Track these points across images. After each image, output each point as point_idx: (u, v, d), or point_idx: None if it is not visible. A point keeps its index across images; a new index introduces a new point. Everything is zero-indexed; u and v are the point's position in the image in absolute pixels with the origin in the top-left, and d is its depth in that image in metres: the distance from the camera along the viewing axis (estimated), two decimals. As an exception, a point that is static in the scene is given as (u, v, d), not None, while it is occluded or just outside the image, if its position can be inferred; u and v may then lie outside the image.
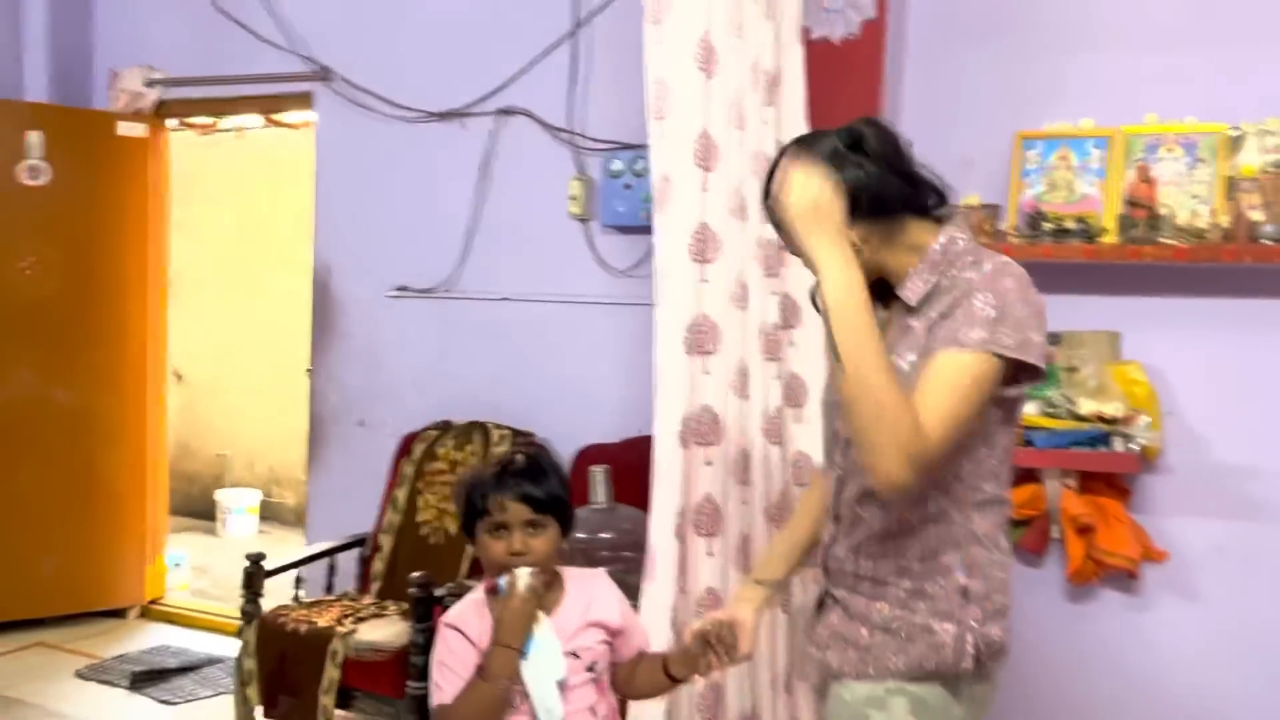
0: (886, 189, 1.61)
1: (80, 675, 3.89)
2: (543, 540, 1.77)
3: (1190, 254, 2.59)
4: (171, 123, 4.65)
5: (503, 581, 1.75)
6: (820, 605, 1.76)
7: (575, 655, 1.79)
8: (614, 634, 1.85)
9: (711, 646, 1.79)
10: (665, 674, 1.85)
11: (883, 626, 1.64)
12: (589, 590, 1.87)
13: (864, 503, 1.67)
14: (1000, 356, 1.50)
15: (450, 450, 3.57)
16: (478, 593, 1.83)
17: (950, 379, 1.50)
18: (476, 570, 3.31)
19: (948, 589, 1.61)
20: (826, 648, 1.71)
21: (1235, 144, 2.71)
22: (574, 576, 1.88)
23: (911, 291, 1.63)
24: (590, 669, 1.81)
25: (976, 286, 1.55)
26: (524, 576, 1.73)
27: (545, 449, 1.94)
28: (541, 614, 1.76)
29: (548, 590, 1.80)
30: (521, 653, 1.72)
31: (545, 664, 1.73)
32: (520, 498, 1.75)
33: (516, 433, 3.52)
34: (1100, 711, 2.88)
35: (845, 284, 1.52)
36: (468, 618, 1.79)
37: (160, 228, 4.57)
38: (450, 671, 1.75)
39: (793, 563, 1.90)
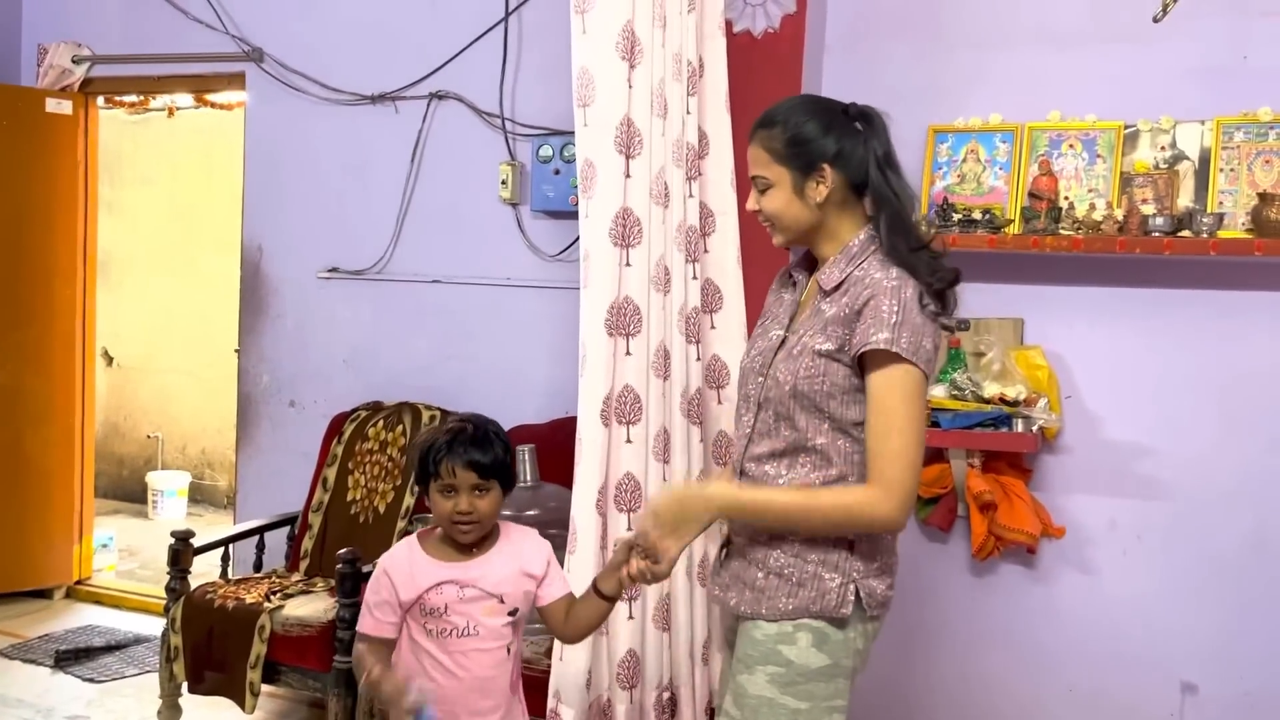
0: (880, 169, 1.78)
1: (3, 654, 3.88)
2: (487, 501, 1.98)
3: (1087, 244, 2.73)
4: (101, 102, 4.62)
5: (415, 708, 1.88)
6: (724, 551, 1.95)
7: (500, 599, 2.00)
8: (538, 581, 2.06)
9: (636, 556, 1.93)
10: (595, 593, 2.01)
11: (776, 571, 1.81)
12: (520, 544, 2.08)
13: (769, 461, 1.85)
14: (912, 363, 1.69)
15: (380, 430, 3.62)
16: (413, 537, 2.06)
17: (891, 416, 1.70)
18: (405, 547, 3.36)
19: (838, 544, 1.79)
20: (728, 589, 1.90)
21: (1130, 141, 2.86)
22: (508, 531, 2.09)
23: (828, 279, 1.82)
24: (512, 613, 2.02)
25: (883, 290, 1.72)
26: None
27: (492, 421, 2.10)
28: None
29: (483, 542, 2.02)
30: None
31: None
32: (468, 464, 1.95)
33: (446, 413, 3.57)
34: (1001, 680, 3.03)
35: (740, 508, 1.84)
36: (396, 556, 2.04)
37: (89, 207, 4.53)
38: (368, 610, 2.01)
39: None
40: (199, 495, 6.40)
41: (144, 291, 6.52)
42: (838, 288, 1.81)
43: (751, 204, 1.92)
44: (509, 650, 2.06)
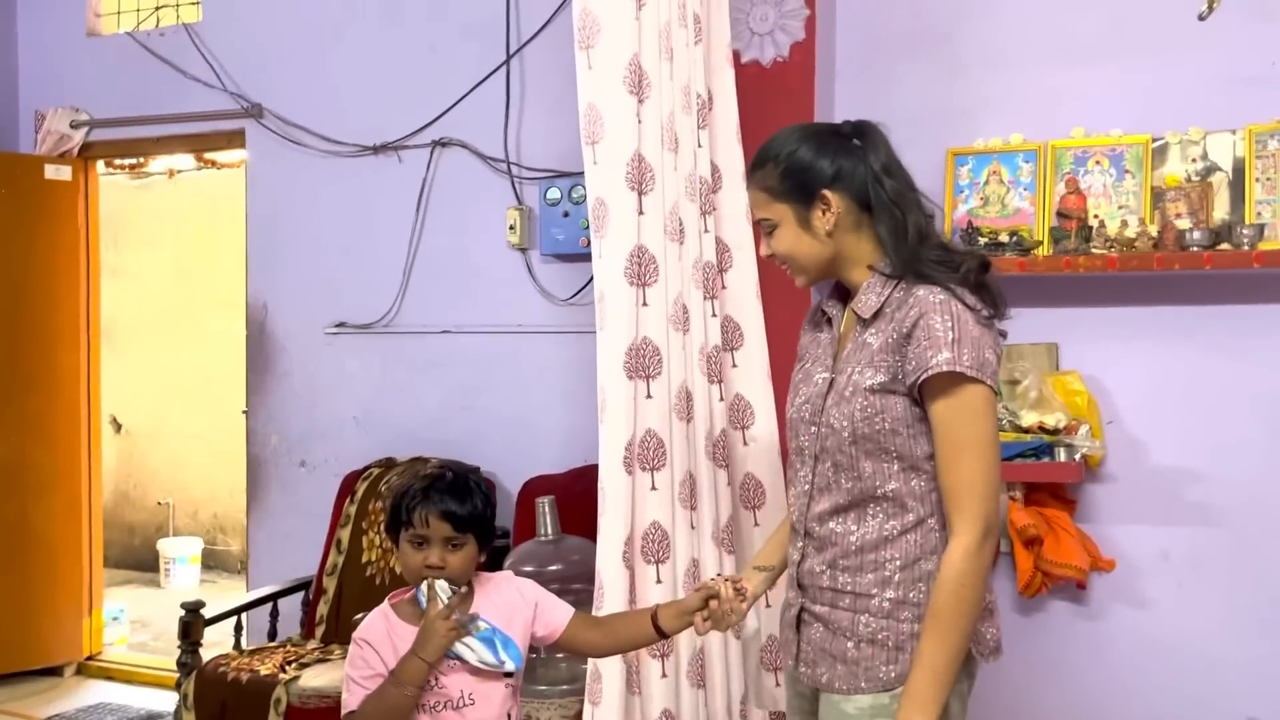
0: (877, 181, 1.68)
1: (13, 738, 3.75)
2: (460, 556, 1.82)
3: (1122, 263, 2.63)
4: (101, 167, 4.57)
5: (421, 592, 1.79)
6: (798, 622, 1.77)
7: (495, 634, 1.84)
8: (531, 625, 1.92)
9: (712, 602, 1.84)
10: (654, 627, 1.91)
11: (869, 639, 1.66)
12: (501, 593, 1.92)
13: (835, 518, 1.70)
14: (979, 381, 1.56)
15: (394, 487, 3.50)
16: (385, 605, 1.89)
17: (960, 443, 1.57)
18: (424, 609, 3.23)
19: (929, 596, 1.63)
20: (815, 665, 1.73)
21: (1159, 154, 2.76)
22: (484, 582, 1.92)
23: (865, 306, 1.70)
24: (508, 675, 1.85)
25: (932, 307, 1.59)
26: (443, 591, 1.78)
27: (473, 469, 1.97)
28: (484, 619, 1.80)
29: (460, 603, 1.83)
30: (444, 661, 1.77)
31: (482, 658, 1.79)
32: (442, 515, 1.80)
33: (464, 468, 3.46)
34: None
35: (925, 699, 1.57)
36: (373, 628, 1.85)
37: (91, 272, 4.47)
38: (354, 684, 1.82)
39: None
40: (212, 561, 6.28)
41: (150, 356, 6.46)
42: (878, 314, 1.68)
43: (764, 250, 1.82)
44: (509, 717, 1.89)
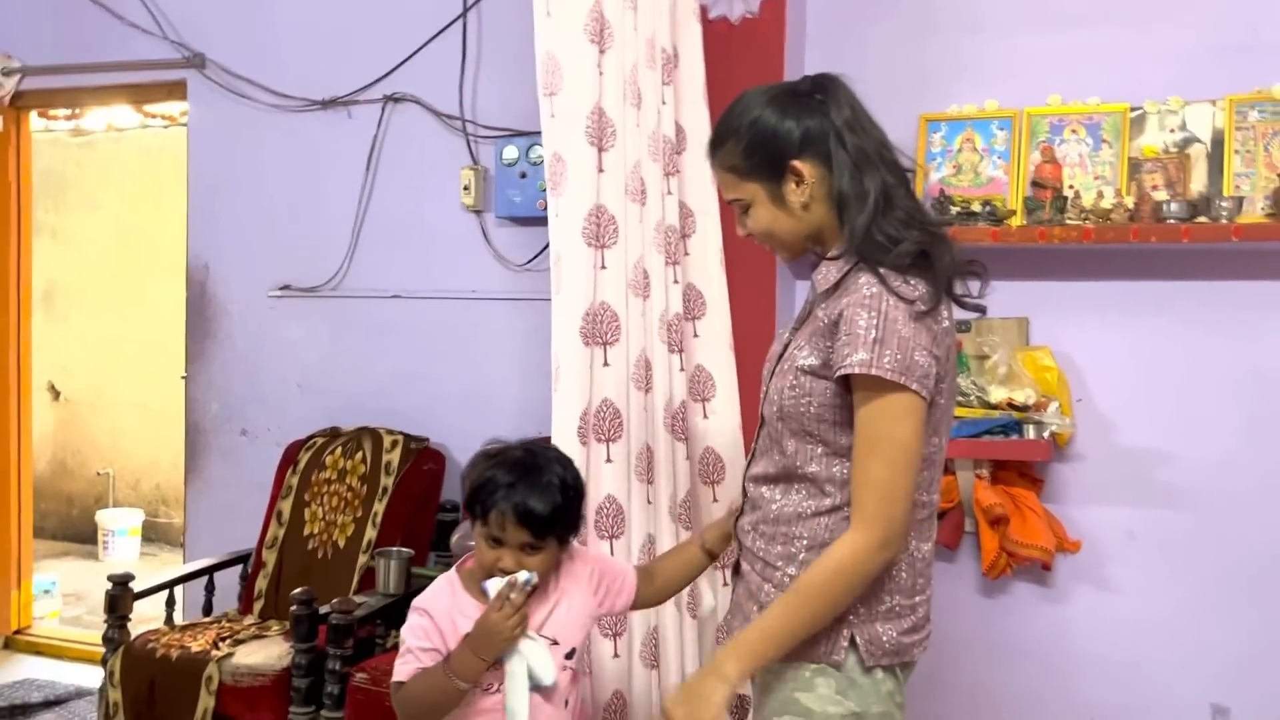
0: (839, 139, 1.54)
1: (-68, 715, 3.56)
2: (539, 559, 1.69)
3: (1098, 234, 2.54)
4: (35, 119, 4.35)
5: (488, 586, 1.67)
6: (735, 571, 1.75)
7: (555, 641, 1.74)
8: (606, 606, 1.85)
9: None
10: (703, 552, 1.87)
11: (767, 608, 1.58)
12: (566, 578, 1.80)
13: (764, 484, 1.65)
14: (901, 386, 1.45)
15: (339, 458, 3.35)
16: (452, 573, 1.78)
17: (871, 444, 1.47)
18: (367, 584, 3.10)
19: None
20: (733, 616, 1.72)
21: (1138, 124, 2.67)
22: (565, 572, 1.81)
23: (823, 278, 1.59)
24: (569, 655, 1.76)
25: (859, 300, 1.48)
26: (495, 583, 1.66)
27: (556, 453, 1.80)
28: (531, 631, 1.70)
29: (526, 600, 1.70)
30: (496, 662, 1.67)
31: (533, 671, 1.69)
32: (521, 519, 1.65)
33: (409, 438, 3.32)
34: (1016, 705, 2.81)
35: (754, 653, 1.52)
36: (436, 600, 1.73)
37: (23, 229, 4.25)
38: (412, 655, 1.70)
39: None
40: (153, 534, 6.08)
41: (91, 321, 6.23)
42: (833, 290, 1.57)
43: (740, 230, 1.69)
44: (567, 703, 1.77)
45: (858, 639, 1.54)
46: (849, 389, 1.50)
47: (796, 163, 1.56)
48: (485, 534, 1.69)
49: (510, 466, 1.69)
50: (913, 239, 1.50)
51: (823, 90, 1.58)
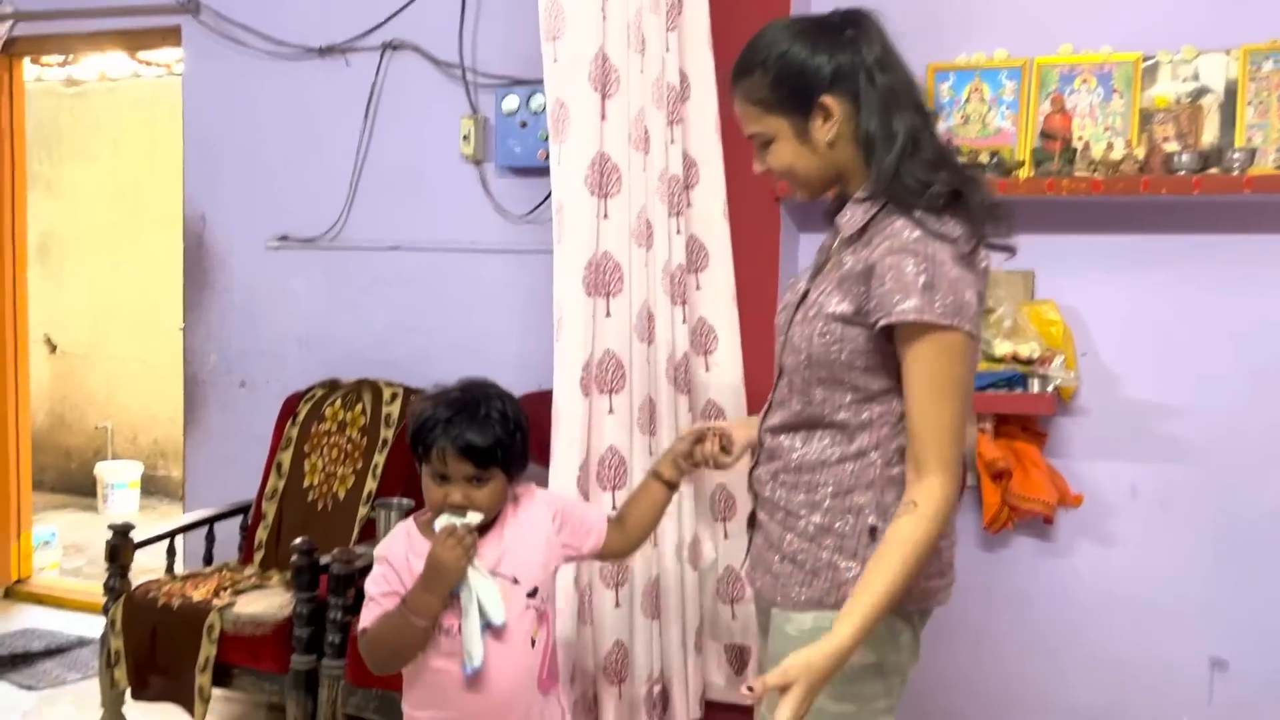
0: (869, 77, 1.49)
1: (-66, 663, 3.58)
2: (486, 492, 1.72)
3: (1108, 186, 2.50)
4: (28, 67, 4.28)
5: (437, 525, 1.70)
6: (751, 522, 1.71)
7: (515, 580, 1.75)
8: (571, 548, 1.85)
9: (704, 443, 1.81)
10: (657, 479, 1.88)
11: (790, 557, 1.59)
12: (525, 517, 1.82)
13: (783, 433, 1.62)
14: (954, 328, 1.42)
15: (338, 410, 3.34)
16: (409, 521, 1.80)
17: (934, 390, 1.44)
18: (367, 535, 3.10)
19: (856, 529, 1.55)
20: (754, 568, 1.69)
21: (1149, 74, 2.63)
22: (514, 510, 1.82)
23: (850, 222, 1.55)
24: (531, 594, 1.77)
25: (903, 245, 1.44)
26: (443, 519, 1.69)
27: (496, 390, 1.80)
28: (479, 562, 1.70)
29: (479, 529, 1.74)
30: (450, 597, 1.69)
31: (482, 608, 1.69)
32: (461, 452, 1.68)
33: (409, 390, 3.31)
34: (1016, 660, 2.82)
35: (855, 628, 1.41)
36: (393, 546, 1.77)
37: (16, 178, 4.20)
38: (374, 602, 1.74)
39: None
40: (152, 487, 6.09)
41: (88, 274, 6.19)
42: (862, 232, 1.53)
43: (758, 166, 1.63)
44: (534, 642, 1.78)
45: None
46: (888, 335, 1.47)
47: (826, 98, 1.51)
48: (431, 472, 1.72)
49: (449, 404, 1.72)
50: (943, 180, 1.47)
51: (854, 25, 1.53)
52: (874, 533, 1.53)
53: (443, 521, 1.70)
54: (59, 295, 6.18)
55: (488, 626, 1.69)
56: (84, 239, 6.19)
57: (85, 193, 6.17)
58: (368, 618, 1.74)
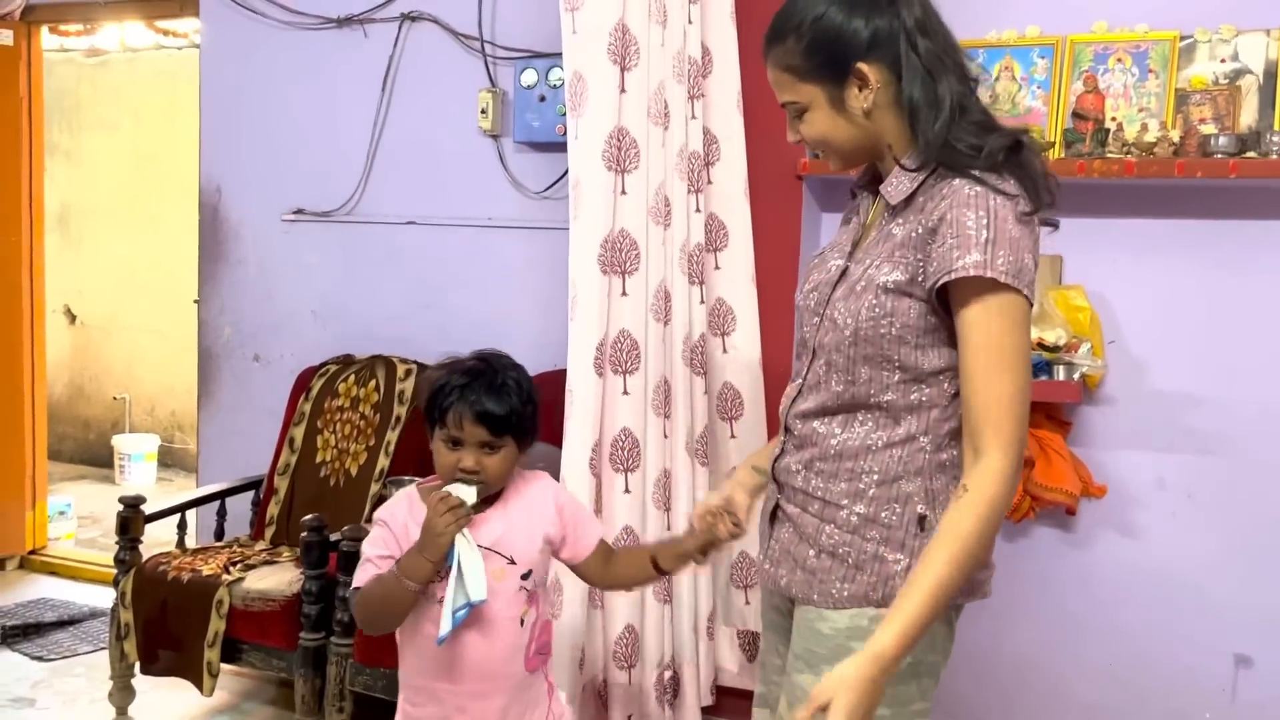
0: (910, 42, 1.42)
1: (-53, 631, 3.58)
2: (497, 460, 1.73)
3: (1140, 169, 2.43)
4: (46, 36, 4.25)
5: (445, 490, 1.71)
6: (773, 517, 1.60)
7: (511, 560, 1.76)
8: (558, 542, 1.84)
9: (711, 530, 1.71)
10: (654, 567, 1.84)
11: (830, 550, 1.49)
12: (532, 496, 1.83)
13: (818, 418, 1.52)
14: (1015, 290, 1.35)
15: (352, 386, 3.31)
16: (412, 488, 1.81)
17: (995, 354, 1.35)
18: (379, 513, 3.07)
19: (905, 518, 1.46)
20: (778, 564, 1.58)
21: (1186, 54, 2.55)
22: (518, 480, 1.84)
23: (895, 191, 1.47)
24: (525, 576, 1.77)
25: (964, 200, 1.37)
26: (465, 496, 1.69)
27: (512, 363, 1.81)
28: (469, 536, 1.70)
29: (486, 499, 1.75)
30: (442, 565, 1.69)
31: (464, 581, 1.67)
32: (478, 417, 1.70)
33: (423, 366, 3.27)
34: (1035, 653, 2.76)
35: (909, 625, 1.31)
36: (395, 510, 1.78)
37: (34, 147, 4.18)
38: (368, 561, 1.75)
39: None
40: (169, 459, 6.10)
41: (107, 245, 6.19)
42: (909, 202, 1.45)
43: (791, 136, 1.55)
44: (523, 622, 1.78)
45: None
46: (945, 303, 1.40)
47: (862, 65, 1.44)
48: (444, 436, 1.73)
49: (465, 371, 1.74)
50: (996, 140, 1.40)
51: None
52: (923, 522, 1.45)
53: (449, 489, 1.70)
54: (79, 265, 6.19)
55: (469, 604, 1.68)
56: (104, 209, 6.19)
57: (105, 163, 6.17)
58: (362, 577, 1.75)
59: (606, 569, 1.90)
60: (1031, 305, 1.39)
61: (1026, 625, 2.76)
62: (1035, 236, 1.40)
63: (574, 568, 1.91)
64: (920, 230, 1.41)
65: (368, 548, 1.78)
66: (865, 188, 1.59)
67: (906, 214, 1.45)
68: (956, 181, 1.39)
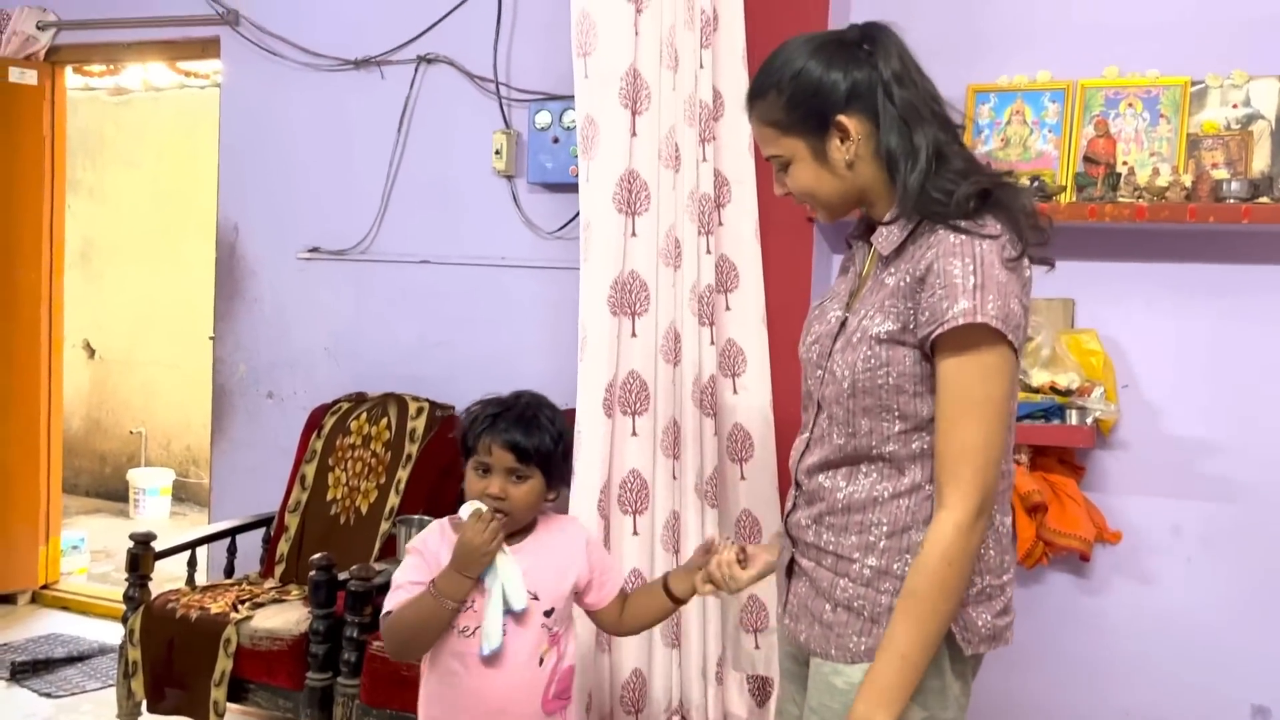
0: (886, 93, 1.44)
1: (-42, 666, 3.58)
2: (523, 490, 1.77)
3: (1152, 213, 2.43)
4: (70, 75, 4.32)
5: (462, 512, 1.76)
6: (789, 571, 1.61)
7: (535, 597, 1.79)
8: (583, 586, 1.87)
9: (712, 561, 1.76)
10: (666, 594, 1.86)
11: (845, 604, 1.49)
12: (559, 536, 1.87)
13: (824, 472, 1.52)
14: (1001, 336, 1.35)
15: (363, 423, 3.32)
16: (444, 520, 1.85)
17: (962, 403, 1.37)
18: (388, 551, 3.07)
19: None
20: (797, 619, 1.58)
21: (1198, 99, 2.55)
22: (548, 521, 1.88)
23: (886, 242, 1.47)
24: (548, 614, 1.80)
25: (949, 249, 1.37)
26: (469, 506, 1.75)
27: (548, 403, 1.88)
28: (505, 547, 1.77)
29: (515, 535, 1.81)
30: (476, 580, 1.74)
31: (504, 592, 1.73)
32: (507, 445, 1.76)
33: (435, 405, 3.28)
34: (1047, 702, 2.72)
35: (890, 686, 1.39)
36: (428, 539, 1.83)
37: (56, 185, 4.23)
38: (399, 588, 1.79)
39: None
40: (183, 494, 6.11)
41: (127, 280, 6.25)
42: (899, 251, 1.45)
43: (778, 189, 1.58)
44: (542, 661, 1.80)
45: (952, 629, 1.43)
46: (933, 350, 1.40)
47: (842, 118, 1.46)
48: (475, 464, 1.78)
49: (499, 404, 1.82)
50: (971, 184, 1.40)
51: (871, 40, 1.47)
52: None
53: (470, 508, 1.75)
54: (99, 301, 6.25)
55: (509, 612, 1.74)
56: (125, 245, 6.26)
57: (127, 200, 6.24)
58: (394, 602, 1.78)
59: (622, 617, 1.92)
60: (1017, 352, 1.39)
61: (1042, 672, 2.72)
62: (1023, 281, 1.40)
63: (592, 614, 1.93)
64: (909, 279, 1.42)
65: (399, 576, 1.81)
66: (860, 238, 1.60)
67: (897, 263, 1.46)
68: (941, 231, 1.40)
